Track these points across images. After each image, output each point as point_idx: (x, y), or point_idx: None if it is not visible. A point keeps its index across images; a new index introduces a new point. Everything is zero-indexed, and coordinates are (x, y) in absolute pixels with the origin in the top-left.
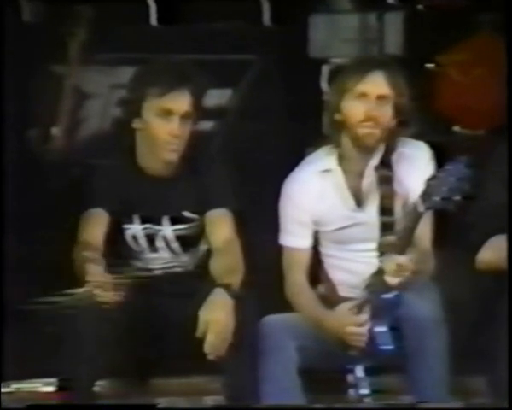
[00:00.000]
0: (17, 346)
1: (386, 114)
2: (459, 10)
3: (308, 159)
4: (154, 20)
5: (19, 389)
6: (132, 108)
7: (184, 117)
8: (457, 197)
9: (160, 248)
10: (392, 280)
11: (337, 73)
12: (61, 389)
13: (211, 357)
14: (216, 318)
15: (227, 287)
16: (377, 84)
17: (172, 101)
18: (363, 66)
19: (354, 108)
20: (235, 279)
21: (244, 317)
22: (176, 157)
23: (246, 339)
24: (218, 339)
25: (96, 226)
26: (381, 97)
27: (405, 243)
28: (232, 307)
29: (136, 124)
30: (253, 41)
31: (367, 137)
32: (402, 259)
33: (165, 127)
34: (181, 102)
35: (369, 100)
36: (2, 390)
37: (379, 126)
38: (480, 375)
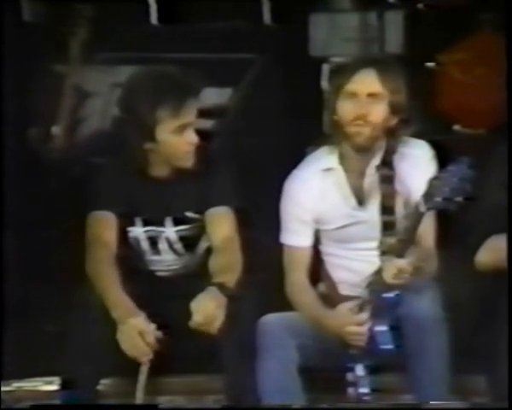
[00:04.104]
0: (18, 344)
1: (378, 112)
2: (459, 9)
3: (309, 158)
4: (154, 20)
5: (20, 387)
6: (143, 132)
7: (195, 123)
8: (459, 198)
9: (162, 250)
10: (392, 281)
11: (333, 73)
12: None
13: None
14: (204, 305)
15: (221, 286)
16: (367, 82)
17: (185, 116)
18: (353, 65)
19: (345, 108)
20: (231, 278)
21: (241, 315)
22: (192, 162)
23: (245, 338)
24: (205, 319)
25: (110, 229)
26: (372, 95)
27: (407, 243)
28: (225, 304)
29: (148, 146)
30: (253, 40)
31: (357, 136)
32: (403, 262)
33: (183, 140)
34: (192, 113)
35: (359, 99)
36: (3, 389)
37: (369, 125)
38: (481, 374)
